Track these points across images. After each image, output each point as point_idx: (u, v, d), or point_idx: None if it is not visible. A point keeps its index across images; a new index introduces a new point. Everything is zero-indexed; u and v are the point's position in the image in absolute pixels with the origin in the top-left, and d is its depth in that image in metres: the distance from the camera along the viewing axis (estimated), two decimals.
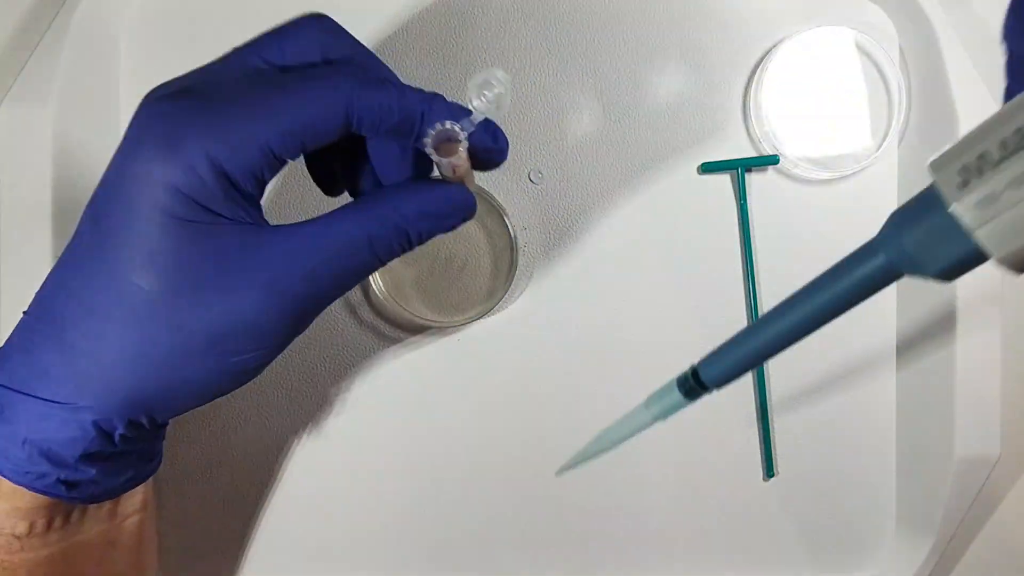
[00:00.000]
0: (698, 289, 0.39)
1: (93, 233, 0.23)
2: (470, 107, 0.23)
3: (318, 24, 0.25)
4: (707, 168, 0.38)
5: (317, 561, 0.39)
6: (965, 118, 0.36)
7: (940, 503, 0.36)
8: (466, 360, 0.39)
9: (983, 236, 0.17)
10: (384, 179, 0.26)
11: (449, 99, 0.24)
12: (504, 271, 0.38)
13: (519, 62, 0.39)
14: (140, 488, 0.29)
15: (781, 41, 0.38)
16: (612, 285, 0.39)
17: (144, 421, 0.25)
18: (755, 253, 0.38)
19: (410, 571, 0.39)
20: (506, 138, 0.26)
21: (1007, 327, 0.37)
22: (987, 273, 0.36)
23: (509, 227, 0.38)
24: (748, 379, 0.39)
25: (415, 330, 0.39)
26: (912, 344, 0.39)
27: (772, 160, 0.38)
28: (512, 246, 0.37)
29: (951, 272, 0.18)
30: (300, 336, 0.39)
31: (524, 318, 0.39)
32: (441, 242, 0.38)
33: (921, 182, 0.39)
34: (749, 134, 0.39)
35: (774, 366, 0.39)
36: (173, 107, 0.22)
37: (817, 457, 0.39)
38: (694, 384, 0.25)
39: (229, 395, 0.39)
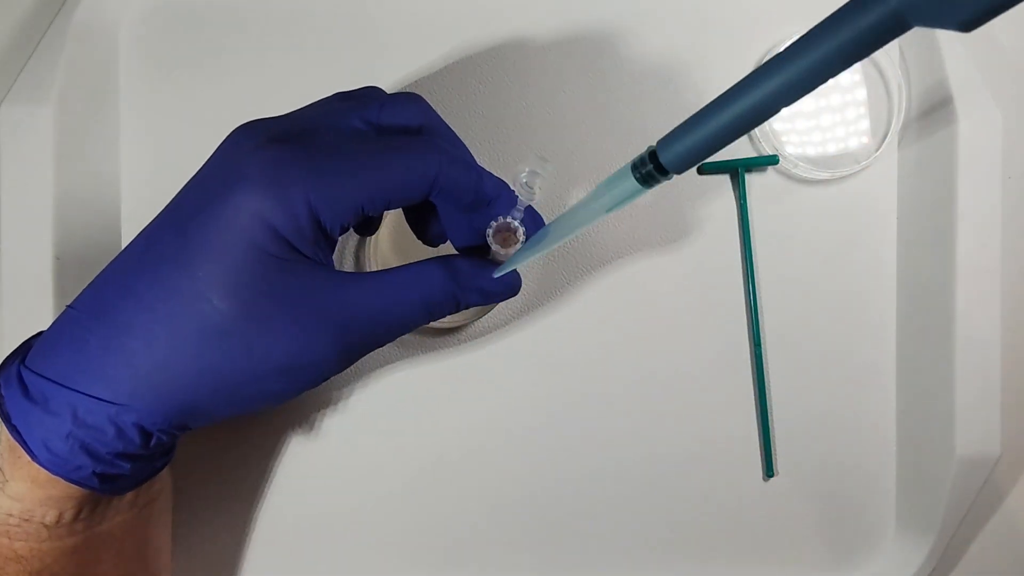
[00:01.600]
0: (698, 289, 0.39)
1: (176, 247, 0.24)
2: (517, 194, 0.26)
3: (416, 100, 0.28)
4: (707, 168, 0.38)
5: (316, 562, 0.39)
6: (965, 118, 0.36)
7: (940, 502, 0.36)
8: (466, 361, 0.39)
9: None
10: (450, 234, 0.29)
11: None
12: None
13: (519, 59, 0.39)
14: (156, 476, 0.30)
15: (781, 41, 0.38)
16: (611, 285, 0.39)
17: (183, 426, 0.26)
18: (755, 253, 0.38)
19: (408, 570, 0.39)
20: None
21: (1007, 328, 0.37)
22: (987, 272, 0.36)
23: None
24: (748, 379, 0.39)
25: (415, 329, 0.39)
26: (912, 344, 0.39)
27: (772, 160, 0.38)
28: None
29: (983, 15, 0.15)
30: None
31: (524, 318, 0.39)
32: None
33: (921, 182, 0.39)
34: (749, 134, 0.39)
35: (774, 365, 0.39)
36: (282, 153, 0.24)
37: (817, 457, 0.39)
38: (652, 168, 0.21)
39: None
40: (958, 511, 0.37)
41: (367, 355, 0.38)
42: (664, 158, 0.21)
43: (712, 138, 0.20)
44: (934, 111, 0.37)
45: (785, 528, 0.39)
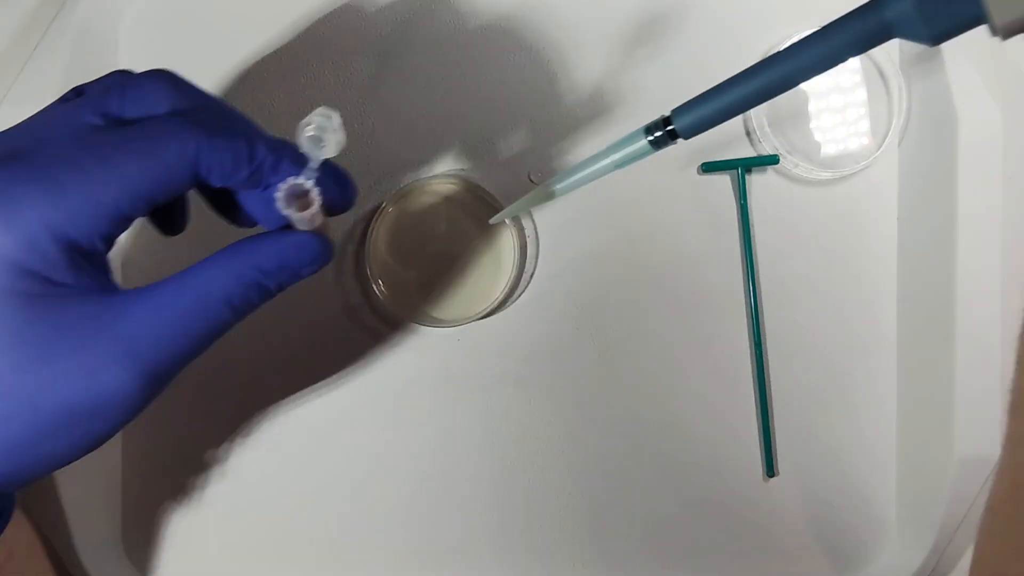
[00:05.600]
0: (698, 288, 0.39)
1: None
2: (303, 152, 0.23)
3: (163, 76, 0.24)
4: (707, 168, 0.38)
5: (318, 560, 0.39)
6: (965, 118, 0.36)
7: (940, 503, 0.36)
8: (466, 360, 0.39)
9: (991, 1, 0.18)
10: (257, 217, 0.26)
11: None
12: (506, 271, 0.38)
13: (517, 60, 0.39)
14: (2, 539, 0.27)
15: (781, 41, 0.38)
16: (612, 284, 0.39)
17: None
18: (755, 253, 0.38)
19: (413, 569, 0.39)
20: (354, 187, 0.26)
21: (1007, 328, 0.37)
22: (987, 272, 0.36)
23: (511, 229, 0.38)
24: (748, 379, 0.39)
25: (415, 330, 0.39)
26: (912, 344, 0.39)
27: (772, 160, 0.38)
28: (515, 247, 0.37)
29: (946, 34, 0.20)
30: (301, 337, 0.39)
31: (524, 318, 0.39)
32: (442, 243, 0.38)
33: (921, 182, 0.39)
34: (749, 134, 0.39)
35: (774, 365, 0.39)
36: (6, 173, 0.21)
37: (817, 457, 0.39)
38: (663, 133, 0.25)
39: (228, 400, 0.39)
40: (958, 511, 0.37)
41: (366, 354, 0.39)
42: (678, 125, 0.25)
43: (721, 111, 0.24)
44: (934, 111, 0.37)
45: (786, 528, 0.39)
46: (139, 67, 0.38)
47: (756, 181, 0.39)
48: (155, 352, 0.22)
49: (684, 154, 0.39)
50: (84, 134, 0.22)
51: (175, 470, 0.38)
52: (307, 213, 0.23)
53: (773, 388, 0.39)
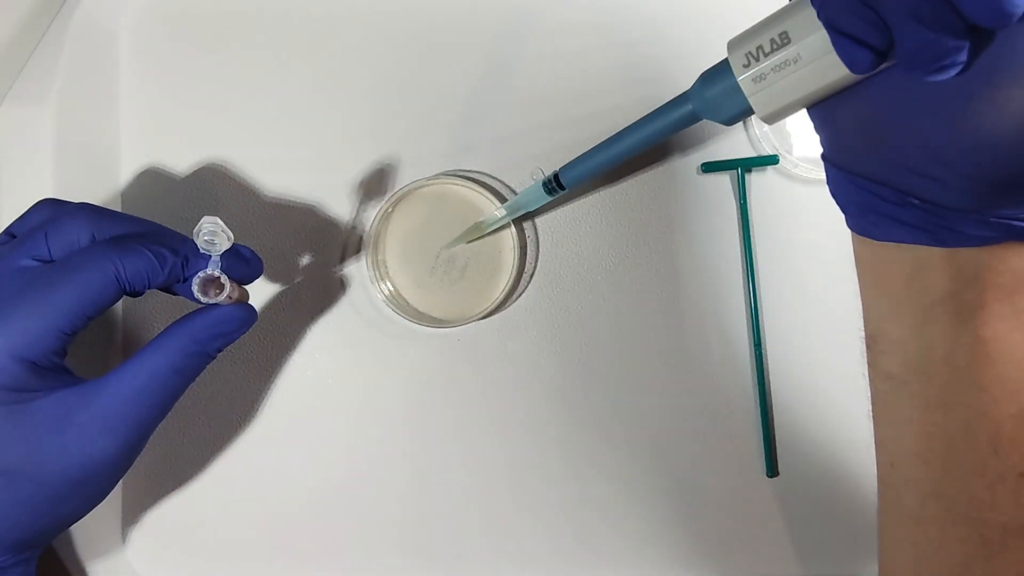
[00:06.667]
0: (698, 289, 0.39)
1: None
2: (204, 251, 0.28)
3: (81, 212, 0.28)
4: (707, 168, 0.38)
5: (317, 560, 0.39)
6: None
7: None
8: (466, 360, 0.39)
9: (753, 99, 0.25)
10: (188, 299, 0.30)
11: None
12: (506, 272, 0.38)
13: (519, 65, 0.39)
14: None
15: None
16: (613, 284, 0.39)
17: (29, 553, 0.29)
18: (755, 252, 0.38)
19: (412, 569, 0.39)
20: (258, 258, 0.31)
21: None
22: None
23: (511, 229, 0.38)
24: (748, 379, 0.39)
25: (416, 330, 0.39)
26: None
27: (772, 160, 0.38)
28: (515, 247, 0.37)
29: (732, 119, 0.27)
30: (301, 337, 0.39)
31: (525, 318, 0.39)
32: (442, 243, 0.38)
33: None
34: (749, 134, 0.39)
35: (775, 365, 0.39)
36: None
37: (819, 457, 0.39)
38: (554, 185, 0.34)
39: (227, 400, 0.39)
40: None
41: (367, 354, 0.39)
42: (564, 178, 0.33)
43: (591, 169, 0.32)
44: None
45: (786, 528, 0.39)
46: (140, 67, 0.39)
47: (756, 181, 0.39)
48: (126, 423, 0.27)
49: (684, 154, 0.39)
50: (23, 275, 0.27)
51: (175, 470, 0.38)
52: (222, 296, 0.28)
53: (773, 388, 0.39)
